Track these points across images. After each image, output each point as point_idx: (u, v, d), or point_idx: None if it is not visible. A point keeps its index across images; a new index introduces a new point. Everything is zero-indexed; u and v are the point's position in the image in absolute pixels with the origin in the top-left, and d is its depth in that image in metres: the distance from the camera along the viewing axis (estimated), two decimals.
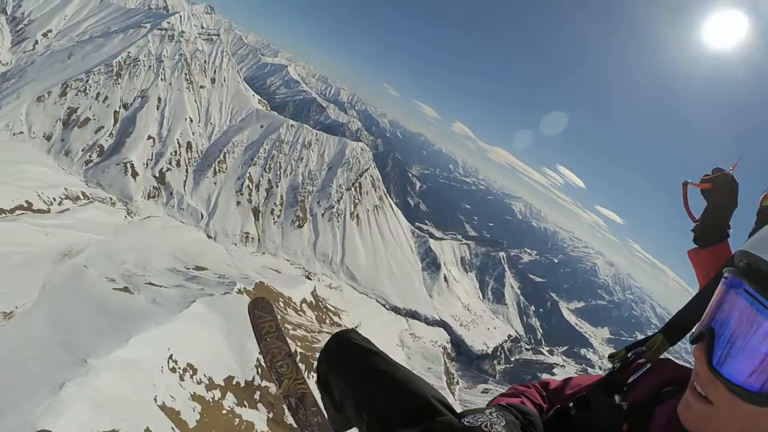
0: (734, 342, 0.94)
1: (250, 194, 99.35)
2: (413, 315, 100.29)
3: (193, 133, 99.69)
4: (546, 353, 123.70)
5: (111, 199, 78.62)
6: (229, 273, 68.87)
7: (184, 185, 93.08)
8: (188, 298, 46.84)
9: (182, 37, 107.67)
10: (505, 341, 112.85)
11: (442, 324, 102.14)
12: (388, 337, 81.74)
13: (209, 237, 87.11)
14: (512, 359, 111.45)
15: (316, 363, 2.52)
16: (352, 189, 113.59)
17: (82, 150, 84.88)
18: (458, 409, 1.67)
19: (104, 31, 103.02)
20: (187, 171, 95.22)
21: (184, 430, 32.98)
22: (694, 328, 1.11)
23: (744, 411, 0.91)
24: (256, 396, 40.51)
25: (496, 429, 1.34)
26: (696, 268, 2.16)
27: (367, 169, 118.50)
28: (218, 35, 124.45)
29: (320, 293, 79.11)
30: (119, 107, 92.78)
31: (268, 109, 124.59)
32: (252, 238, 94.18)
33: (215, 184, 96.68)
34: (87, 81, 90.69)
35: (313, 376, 2.72)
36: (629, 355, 1.61)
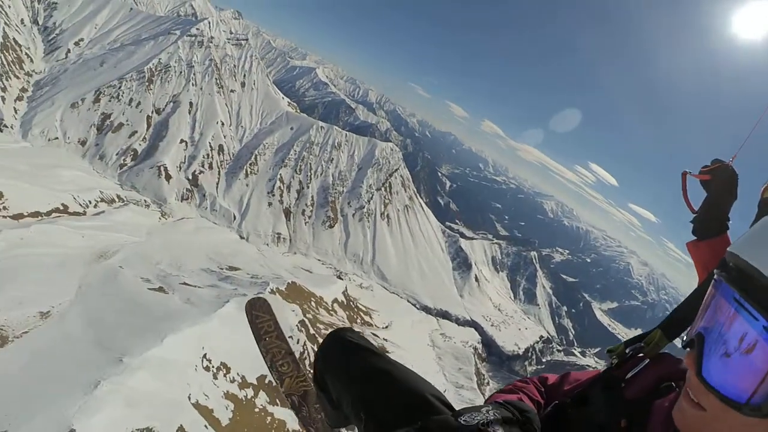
0: (722, 351, 0.92)
1: (281, 195, 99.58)
2: (444, 315, 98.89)
3: (224, 136, 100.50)
4: (578, 355, 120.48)
5: (145, 201, 79.58)
6: (262, 273, 68.85)
7: (217, 187, 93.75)
8: (222, 298, 46.75)
9: (211, 42, 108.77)
10: (537, 342, 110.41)
11: (473, 324, 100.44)
12: (419, 337, 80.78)
13: (242, 238, 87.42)
14: (544, 360, 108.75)
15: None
16: (383, 189, 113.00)
17: (117, 154, 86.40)
18: None
19: (135, 38, 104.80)
20: (219, 173, 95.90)
21: (217, 427, 32.67)
22: (687, 330, 1.11)
23: (736, 419, 0.89)
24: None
25: (493, 427, 1.35)
26: (695, 260, 2.11)
27: (396, 169, 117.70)
28: (247, 40, 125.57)
29: (351, 293, 78.51)
30: (152, 112, 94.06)
31: (298, 111, 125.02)
32: (283, 238, 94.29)
33: (247, 185, 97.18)
34: (120, 87, 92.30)
35: None
36: (627, 350, 1.60)
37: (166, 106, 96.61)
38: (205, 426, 31.68)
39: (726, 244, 1.81)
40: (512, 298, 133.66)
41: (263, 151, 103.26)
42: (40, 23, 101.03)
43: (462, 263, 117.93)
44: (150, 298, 45.34)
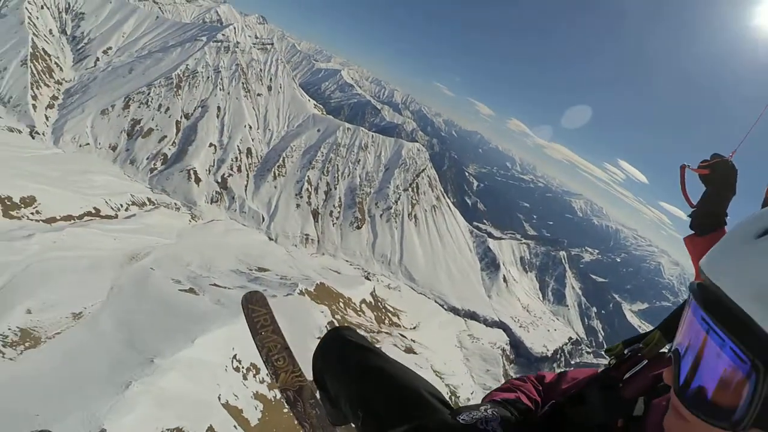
0: (695, 367, 0.92)
1: (309, 197, 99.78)
2: (472, 316, 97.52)
3: (252, 140, 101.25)
4: (607, 357, 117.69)
5: (176, 204, 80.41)
6: (290, 274, 68.79)
7: (246, 189, 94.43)
8: None
9: (237, 47, 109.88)
10: (566, 344, 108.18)
11: (501, 325, 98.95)
12: (447, 338, 79.76)
13: (270, 239, 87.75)
14: (572, 362, 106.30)
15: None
16: (410, 189, 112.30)
17: (147, 158, 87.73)
18: None
19: (162, 45, 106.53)
20: (247, 176, 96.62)
21: (246, 428, 32.38)
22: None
23: (716, 430, 0.89)
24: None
25: (491, 426, 1.35)
26: (692, 256, 2.07)
27: (423, 170, 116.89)
28: (272, 44, 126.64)
29: (379, 294, 78.00)
30: (180, 117, 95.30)
31: (324, 113, 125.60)
32: (312, 239, 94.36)
33: (275, 187, 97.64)
34: (148, 93, 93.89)
35: None
36: (626, 351, 1.61)
37: (194, 111, 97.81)
38: (235, 426, 31.41)
39: None
40: (541, 298, 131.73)
41: (291, 154, 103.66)
42: (68, 33, 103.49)
43: (490, 263, 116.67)
44: (181, 299, 45.42)
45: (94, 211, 61.88)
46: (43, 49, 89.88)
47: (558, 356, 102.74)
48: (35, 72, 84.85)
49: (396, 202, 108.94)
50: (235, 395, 34.16)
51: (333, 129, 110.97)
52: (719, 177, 1.94)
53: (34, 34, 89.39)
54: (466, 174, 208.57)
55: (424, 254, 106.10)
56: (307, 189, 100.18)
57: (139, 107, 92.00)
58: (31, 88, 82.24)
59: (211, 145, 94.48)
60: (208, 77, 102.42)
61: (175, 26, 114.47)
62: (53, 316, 36.15)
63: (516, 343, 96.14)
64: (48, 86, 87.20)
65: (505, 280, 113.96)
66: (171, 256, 58.14)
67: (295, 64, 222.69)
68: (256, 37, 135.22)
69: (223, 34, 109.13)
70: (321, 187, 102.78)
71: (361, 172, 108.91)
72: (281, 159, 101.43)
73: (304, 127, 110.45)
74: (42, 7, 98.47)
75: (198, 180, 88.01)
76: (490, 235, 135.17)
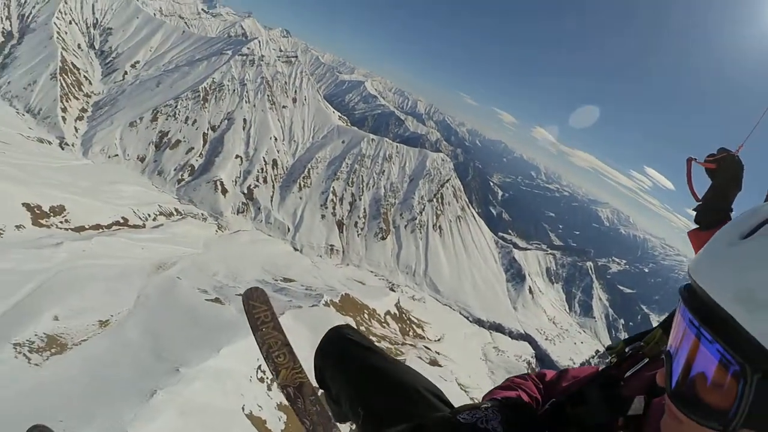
0: (685, 369, 0.93)
1: (334, 208, 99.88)
2: (497, 328, 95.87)
3: (278, 151, 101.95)
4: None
5: (202, 214, 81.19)
6: (315, 284, 68.37)
7: (271, 200, 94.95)
8: (277, 310, 44.40)
9: (262, 60, 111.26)
10: (593, 356, 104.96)
11: (527, 338, 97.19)
12: (472, 351, 78.34)
13: (295, 249, 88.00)
14: None
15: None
16: (434, 200, 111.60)
17: (174, 170, 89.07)
18: None
19: (188, 59, 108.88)
20: (273, 187, 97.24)
21: None
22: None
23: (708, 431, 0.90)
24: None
25: (492, 425, 1.35)
26: (696, 250, 2.03)
27: (448, 180, 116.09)
28: (296, 57, 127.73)
29: (404, 305, 76.94)
30: (207, 129, 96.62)
31: (349, 124, 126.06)
32: (336, 250, 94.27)
33: (300, 198, 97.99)
34: (176, 106, 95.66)
35: None
36: (627, 349, 1.58)
37: (221, 123, 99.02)
38: None
39: None
40: (567, 310, 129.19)
41: (316, 165, 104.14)
42: (97, 47, 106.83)
43: (516, 275, 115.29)
44: (207, 308, 45.19)
45: (122, 221, 62.60)
46: (72, 63, 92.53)
47: None
48: (64, 85, 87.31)
49: (421, 212, 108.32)
50: (259, 406, 33.60)
51: (357, 140, 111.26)
52: (726, 172, 1.93)
53: (63, 48, 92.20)
54: (491, 184, 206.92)
55: (449, 265, 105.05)
56: (332, 200, 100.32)
57: (166, 119, 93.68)
58: (61, 101, 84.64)
59: (237, 156, 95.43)
60: (234, 90, 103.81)
61: (201, 40, 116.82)
62: (80, 323, 36.16)
63: (542, 356, 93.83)
64: (77, 99, 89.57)
65: (530, 291, 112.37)
66: (197, 266, 58.25)
67: (319, 76, 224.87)
68: (281, 50, 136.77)
69: (248, 48, 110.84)
70: (346, 197, 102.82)
71: (385, 182, 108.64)
72: (306, 170, 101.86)
73: (328, 138, 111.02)
74: (70, 23, 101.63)
75: (224, 191, 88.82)
76: (516, 246, 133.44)
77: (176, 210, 76.09)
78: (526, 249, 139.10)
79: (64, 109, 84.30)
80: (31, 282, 37.84)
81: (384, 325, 66.12)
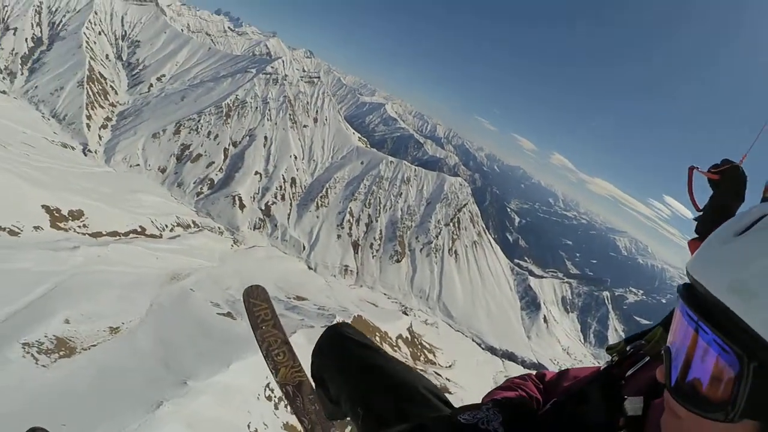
0: (685, 363, 0.94)
1: (350, 228, 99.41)
2: (509, 356, 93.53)
3: (297, 170, 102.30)
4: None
5: (219, 228, 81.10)
6: (328, 304, 67.56)
7: (288, 218, 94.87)
8: (289, 328, 44.81)
9: (285, 80, 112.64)
10: None
11: (540, 367, 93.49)
12: (483, 379, 76.17)
13: (310, 268, 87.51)
14: None
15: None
16: (451, 224, 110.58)
17: (194, 183, 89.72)
18: None
19: (213, 75, 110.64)
20: (291, 205, 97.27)
21: None
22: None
23: (708, 425, 0.91)
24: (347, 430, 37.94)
25: (493, 425, 1.34)
26: None
27: (465, 205, 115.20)
28: (319, 77, 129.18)
29: (416, 329, 75.54)
30: (228, 145, 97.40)
31: (368, 146, 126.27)
32: (351, 270, 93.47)
33: (317, 217, 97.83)
34: (199, 120, 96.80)
35: None
36: (628, 348, 1.57)
37: (242, 139, 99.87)
38: None
39: None
40: (582, 341, 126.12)
41: (334, 185, 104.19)
42: (124, 59, 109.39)
43: (530, 303, 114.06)
44: (218, 322, 44.60)
45: (139, 230, 62.61)
46: (99, 72, 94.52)
47: None
48: (91, 93, 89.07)
49: (437, 236, 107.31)
50: (265, 424, 32.87)
51: (376, 162, 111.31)
52: (728, 183, 1.90)
53: (91, 57, 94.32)
54: (508, 210, 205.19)
55: (464, 291, 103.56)
56: (349, 220, 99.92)
57: (189, 133, 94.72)
58: (86, 109, 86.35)
59: (256, 173, 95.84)
60: (257, 107, 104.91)
61: (226, 57, 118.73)
62: (91, 327, 35.64)
63: None
64: (102, 107, 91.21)
65: (545, 320, 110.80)
66: (211, 279, 57.85)
67: (340, 97, 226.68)
68: (304, 71, 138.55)
69: (272, 67, 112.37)
70: (362, 218, 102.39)
71: (402, 205, 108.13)
72: (324, 189, 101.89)
73: (347, 159, 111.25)
74: (100, 33, 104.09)
75: (242, 206, 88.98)
76: (532, 273, 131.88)
77: (194, 222, 76.13)
78: (541, 277, 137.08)
79: (89, 117, 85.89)
80: (45, 283, 37.63)
81: (395, 349, 64.84)
